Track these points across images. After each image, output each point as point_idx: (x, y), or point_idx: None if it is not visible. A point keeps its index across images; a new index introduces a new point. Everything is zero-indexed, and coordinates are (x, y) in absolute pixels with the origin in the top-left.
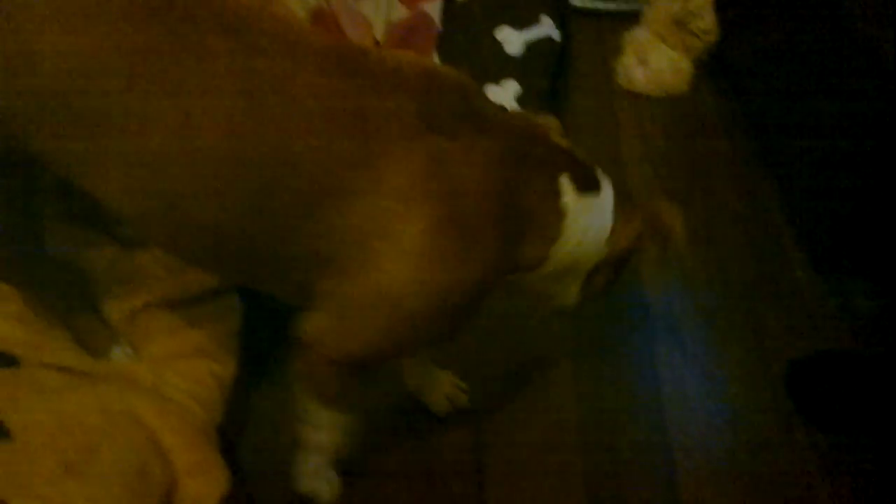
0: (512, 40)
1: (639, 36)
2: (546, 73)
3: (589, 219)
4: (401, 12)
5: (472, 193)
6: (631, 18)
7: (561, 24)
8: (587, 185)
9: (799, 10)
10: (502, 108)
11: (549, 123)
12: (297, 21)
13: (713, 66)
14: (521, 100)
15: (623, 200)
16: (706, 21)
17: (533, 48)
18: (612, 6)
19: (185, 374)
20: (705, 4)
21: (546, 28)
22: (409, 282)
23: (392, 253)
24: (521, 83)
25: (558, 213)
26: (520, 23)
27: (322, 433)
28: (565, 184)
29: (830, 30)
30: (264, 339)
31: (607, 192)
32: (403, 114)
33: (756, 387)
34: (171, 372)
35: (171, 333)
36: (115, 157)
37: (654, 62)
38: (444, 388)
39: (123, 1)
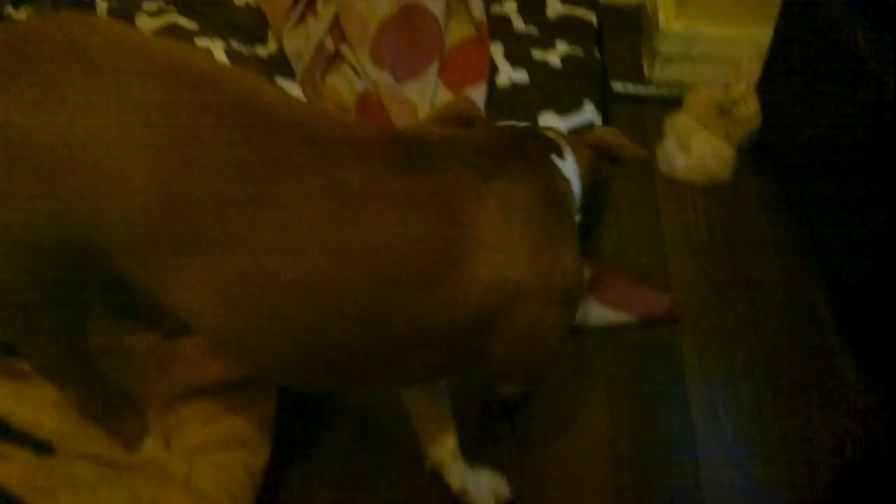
0: (554, 126)
1: (680, 122)
2: None
3: (572, 173)
4: (446, 97)
5: (535, 208)
6: (672, 104)
7: (603, 110)
8: (559, 151)
9: (843, 98)
10: (481, 126)
11: (468, 107)
12: (345, 117)
13: (756, 154)
14: None
15: (570, 140)
16: (749, 108)
17: (575, 133)
18: (653, 91)
19: (216, 464)
20: (748, 92)
21: (588, 114)
22: (544, 303)
23: (516, 290)
24: None
25: (568, 184)
26: (562, 109)
27: None
28: (556, 160)
29: (876, 119)
30: (296, 425)
31: (564, 144)
32: (463, 178)
33: (803, 492)
34: (202, 463)
35: (206, 422)
36: (208, 276)
37: (695, 149)
38: (487, 484)
39: (210, 121)
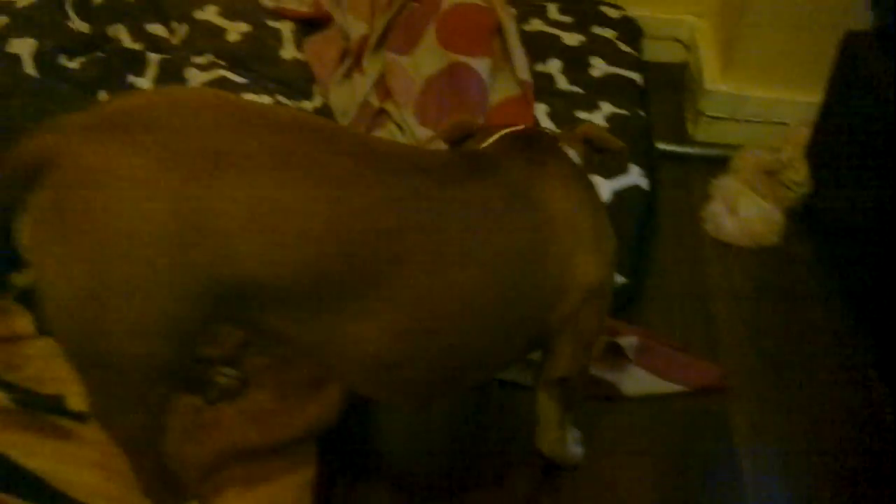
0: (600, 189)
1: (727, 183)
2: (634, 221)
3: (577, 161)
4: None
5: (582, 183)
6: (717, 165)
7: (649, 172)
8: (562, 144)
9: (894, 163)
10: (484, 134)
11: (466, 122)
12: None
13: (806, 219)
14: None
15: (563, 135)
16: (798, 173)
17: (621, 196)
18: (697, 151)
19: None
20: (796, 156)
21: (634, 177)
22: (601, 264)
23: (583, 253)
24: None
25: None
26: (608, 171)
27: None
28: (567, 150)
29: None
30: (337, 488)
31: (562, 138)
32: (523, 169)
33: None
34: None
35: (245, 488)
36: (386, 308)
37: (743, 211)
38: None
39: (352, 165)
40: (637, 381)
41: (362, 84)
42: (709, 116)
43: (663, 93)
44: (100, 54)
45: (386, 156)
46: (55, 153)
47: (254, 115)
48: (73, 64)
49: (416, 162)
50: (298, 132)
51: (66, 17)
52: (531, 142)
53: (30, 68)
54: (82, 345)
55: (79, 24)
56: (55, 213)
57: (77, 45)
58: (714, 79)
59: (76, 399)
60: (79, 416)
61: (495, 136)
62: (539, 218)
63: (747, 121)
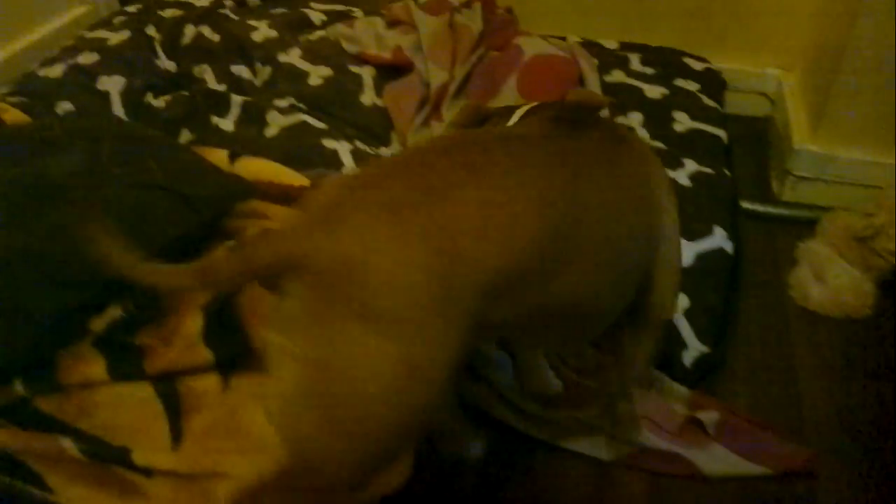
0: (683, 251)
1: (815, 248)
2: (717, 286)
3: None
4: None
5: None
6: (804, 226)
7: (734, 235)
8: None
9: None
10: (504, 119)
11: (479, 107)
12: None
13: None
14: (688, 314)
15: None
16: (892, 240)
17: (704, 258)
18: (783, 212)
19: None
20: (890, 222)
21: (718, 239)
22: (674, 206)
23: (666, 186)
24: (690, 297)
25: None
26: (692, 234)
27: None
28: None
29: None
30: None
31: None
32: (612, 132)
33: None
34: None
35: None
36: (585, 265)
37: (832, 280)
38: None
39: (537, 158)
40: (717, 461)
41: (441, 132)
42: (796, 176)
43: (746, 147)
44: (185, 93)
45: (538, 142)
46: (296, 257)
47: (427, 152)
48: (159, 102)
49: (546, 136)
50: (472, 148)
51: (155, 55)
52: (575, 106)
53: (118, 106)
54: (377, 432)
55: (166, 63)
56: (322, 308)
57: (163, 83)
58: (803, 136)
59: (141, 454)
60: (144, 472)
61: (523, 109)
62: (638, 153)
63: (838, 182)
